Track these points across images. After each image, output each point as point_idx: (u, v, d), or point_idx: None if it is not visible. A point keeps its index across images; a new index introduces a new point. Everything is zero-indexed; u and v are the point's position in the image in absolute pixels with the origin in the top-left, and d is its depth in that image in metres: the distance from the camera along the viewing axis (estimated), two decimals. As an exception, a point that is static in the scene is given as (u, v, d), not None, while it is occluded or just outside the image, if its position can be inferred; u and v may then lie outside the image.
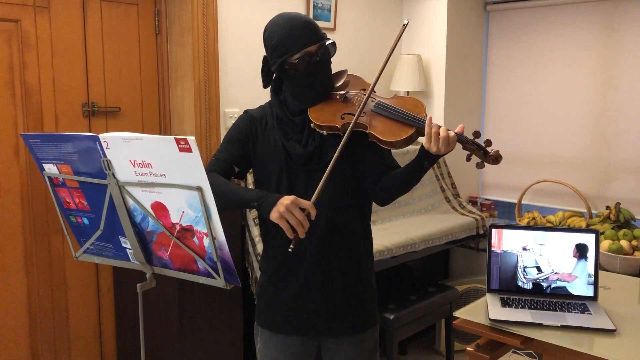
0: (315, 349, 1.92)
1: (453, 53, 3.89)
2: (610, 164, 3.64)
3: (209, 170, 1.74)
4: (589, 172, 3.73)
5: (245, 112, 1.89)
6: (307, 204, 1.61)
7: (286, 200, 1.60)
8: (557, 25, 3.77)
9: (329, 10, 3.48)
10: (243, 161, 1.85)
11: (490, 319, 1.88)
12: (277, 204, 1.60)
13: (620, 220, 3.17)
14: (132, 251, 1.73)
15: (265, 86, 1.86)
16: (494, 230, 2.10)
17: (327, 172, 1.65)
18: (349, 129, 1.69)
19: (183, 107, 2.98)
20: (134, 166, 1.56)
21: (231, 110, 3.05)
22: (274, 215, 1.60)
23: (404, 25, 1.74)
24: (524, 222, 3.57)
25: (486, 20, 4.11)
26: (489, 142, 1.69)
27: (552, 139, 3.85)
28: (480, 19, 4.08)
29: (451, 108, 3.92)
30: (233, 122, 1.90)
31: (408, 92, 3.82)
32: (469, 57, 4.04)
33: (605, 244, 2.92)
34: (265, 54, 1.80)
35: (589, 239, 2.05)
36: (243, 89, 3.10)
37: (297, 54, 1.71)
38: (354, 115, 1.73)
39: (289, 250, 1.61)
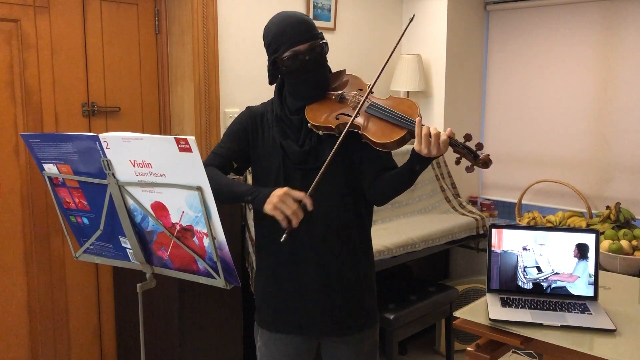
0: (315, 348, 1.93)
1: (453, 53, 3.89)
2: (610, 164, 3.64)
3: (207, 164, 1.74)
4: (589, 172, 3.72)
5: (248, 108, 1.90)
6: (300, 194, 1.61)
7: (279, 191, 1.61)
8: (557, 25, 3.77)
9: (329, 10, 3.48)
10: (242, 156, 1.85)
11: (490, 319, 1.88)
12: (270, 196, 1.61)
13: (620, 220, 3.17)
14: (132, 251, 1.73)
15: (270, 83, 1.87)
16: (494, 230, 2.10)
17: (323, 168, 1.65)
18: (344, 131, 1.69)
19: (183, 107, 2.98)
20: (134, 166, 1.55)
21: (231, 110, 3.05)
22: (267, 207, 1.61)
23: (410, 19, 1.74)
24: (524, 222, 3.57)
25: (486, 20, 4.11)
26: (480, 146, 1.68)
27: (552, 139, 3.85)
28: (480, 19, 4.08)
29: (451, 108, 3.92)
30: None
31: (408, 92, 3.82)
32: (469, 57, 4.04)
33: (605, 244, 2.92)
34: None
35: (589, 239, 2.05)
36: (243, 89, 3.10)
37: (286, 52, 1.72)
38: (349, 115, 1.73)
39: (281, 240, 1.60)
